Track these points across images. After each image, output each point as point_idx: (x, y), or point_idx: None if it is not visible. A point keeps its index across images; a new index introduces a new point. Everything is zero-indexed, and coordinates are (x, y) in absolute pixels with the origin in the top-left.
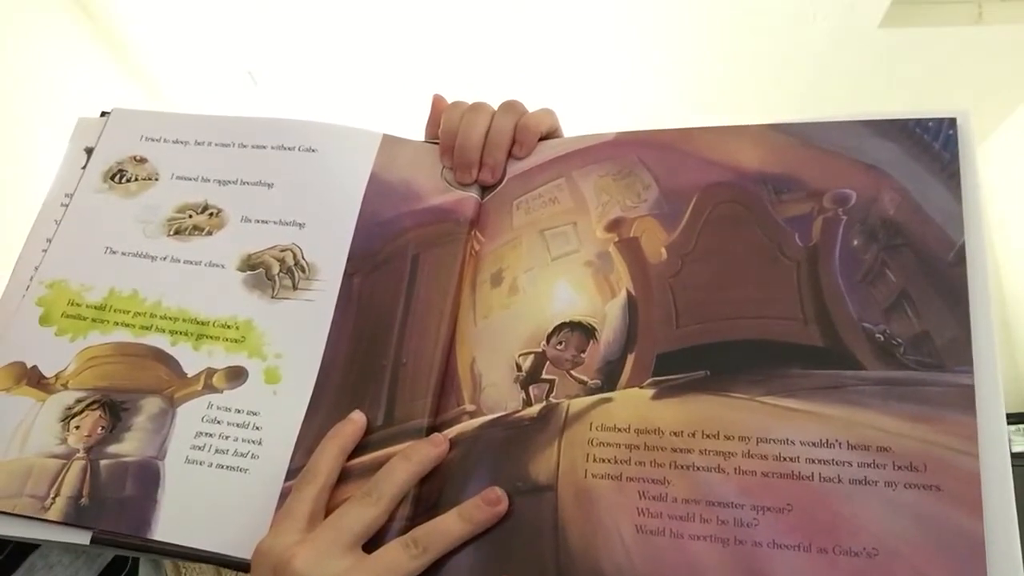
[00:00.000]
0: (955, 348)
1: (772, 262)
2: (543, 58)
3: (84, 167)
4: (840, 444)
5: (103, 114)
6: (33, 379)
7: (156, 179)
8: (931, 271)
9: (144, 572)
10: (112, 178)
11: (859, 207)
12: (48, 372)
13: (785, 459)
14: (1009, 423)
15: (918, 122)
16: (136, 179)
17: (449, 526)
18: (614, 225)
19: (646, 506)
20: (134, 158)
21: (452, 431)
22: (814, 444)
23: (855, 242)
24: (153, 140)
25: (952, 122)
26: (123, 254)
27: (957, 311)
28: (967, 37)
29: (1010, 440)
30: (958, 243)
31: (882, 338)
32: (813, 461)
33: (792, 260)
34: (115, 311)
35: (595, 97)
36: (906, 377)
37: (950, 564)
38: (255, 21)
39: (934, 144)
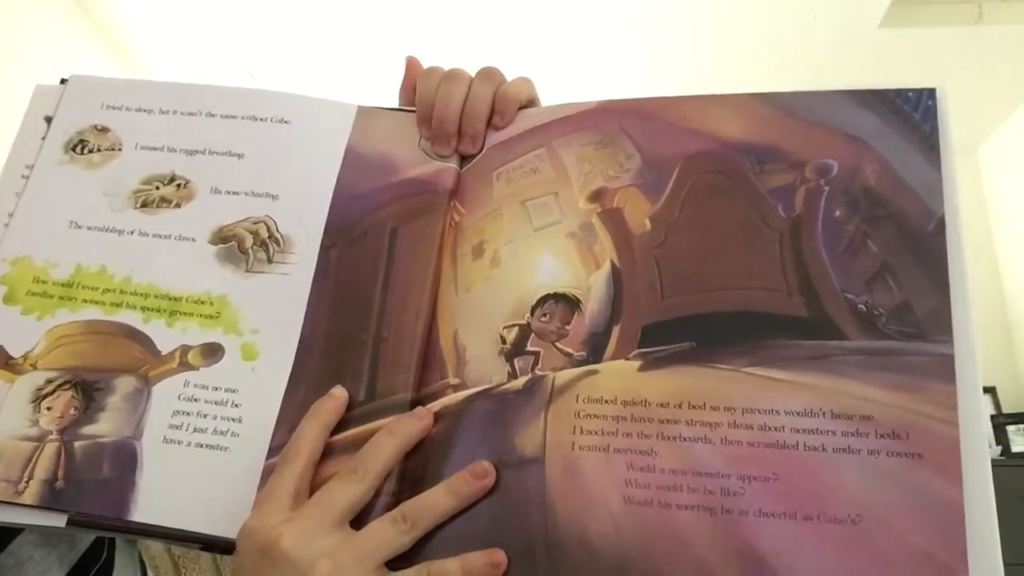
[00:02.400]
0: (935, 318)
1: (756, 233)
2: (543, 60)
3: (44, 137)
4: (824, 413)
5: (63, 81)
6: (0, 360)
7: (119, 149)
8: (912, 242)
9: (120, 562)
10: (74, 149)
11: (841, 177)
12: (15, 352)
13: (770, 429)
14: (1009, 423)
15: (898, 93)
16: (99, 149)
17: (437, 500)
18: (597, 195)
19: (634, 477)
20: (95, 127)
21: (436, 404)
22: (798, 414)
23: (837, 213)
24: (114, 108)
25: (931, 93)
26: (88, 228)
27: (937, 282)
28: (967, 37)
29: (1010, 440)
30: (938, 214)
31: (864, 308)
32: (798, 431)
33: (775, 231)
34: (83, 288)
35: (594, 97)
36: (888, 347)
37: (932, 529)
38: (254, 20)
39: (914, 115)
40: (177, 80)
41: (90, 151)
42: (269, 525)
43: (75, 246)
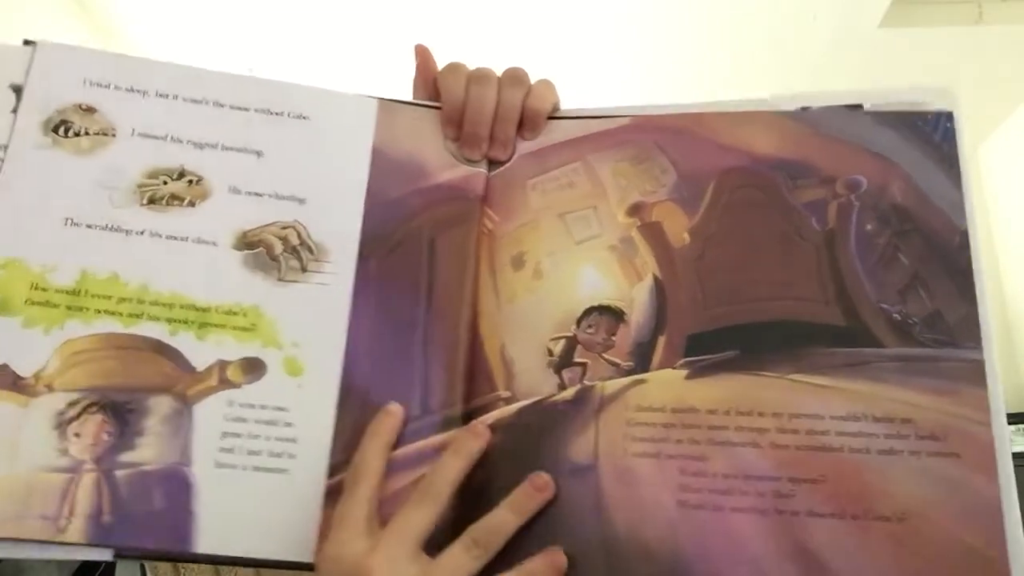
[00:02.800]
0: (965, 326)
1: (792, 245)
2: (543, 62)
3: (15, 111)
4: (866, 417)
5: (26, 43)
6: (7, 380)
7: (113, 134)
8: (940, 254)
9: (121, 564)
10: (55, 130)
11: (870, 193)
12: (24, 372)
13: (816, 433)
14: (1009, 423)
15: (917, 115)
16: (87, 132)
17: (503, 520)
18: (635, 210)
19: (687, 481)
20: (79, 106)
21: (489, 417)
22: (843, 418)
23: (868, 227)
24: (100, 86)
25: (949, 116)
26: (88, 226)
27: (965, 292)
28: (967, 37)
29: (1011, 440)
30: (961, 228)
31: (899, 317)
32: (842, 434)
33: (811, 243)
34: (93, 296)
35: (594, 98)
36: (922, 354)
37: (973, 525)
38: (255, 19)
39: (934, 135)
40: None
41: (76, 134)
42: (353, 554)
43: (76, 247)
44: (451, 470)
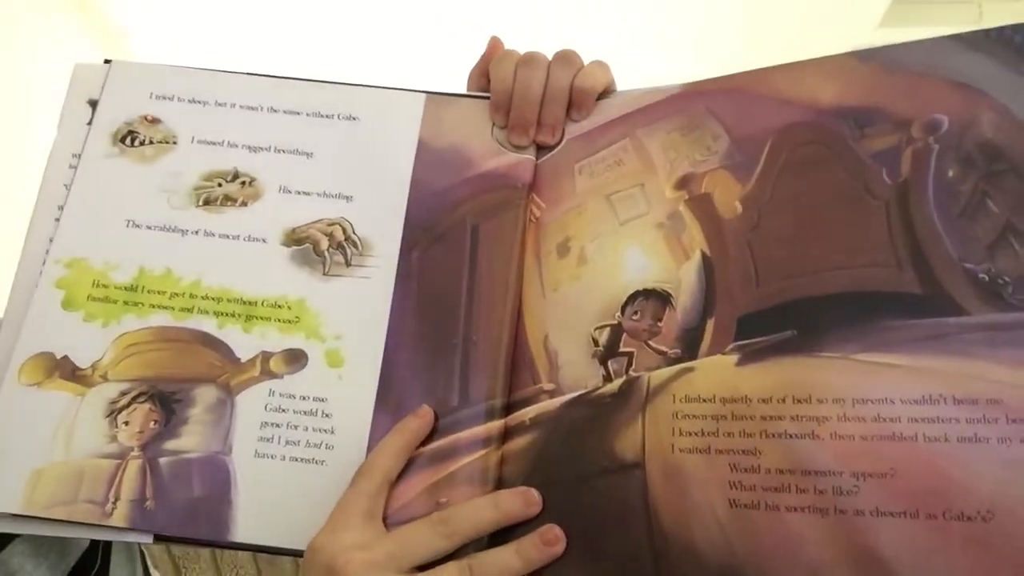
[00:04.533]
0: None
1: (858, 204)
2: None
3: (89, 123)
4: (945, 400)
5: (106, 61)
6: (66, 371)
7: (174, 142)
8: None
9: (116, 562)
10: (123, 140)
11: (952, 133)
12: (82, 363)
13: (885, 420)
14: None
15: (1016, 28)
16: (151, 142)
17: (507, 561)
18: (683, 182)
19: (738, 479)
20: (145, 118)
21: (531, 410)
22: (916, 402)
23: (950, 173)
24: (165, 98)
25: None
26: (148, 228)
27: None
28: None
29: None
30: None
31: (986, 278)
32: (916, 420)
33: (881, 200)
34: (149, 292)
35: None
36: (1015, 320)
37: None
38: (256, 18)
39: None
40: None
41: (141, 143)
42: (340, 546)
43: (135, 247)
44: (483, 517)
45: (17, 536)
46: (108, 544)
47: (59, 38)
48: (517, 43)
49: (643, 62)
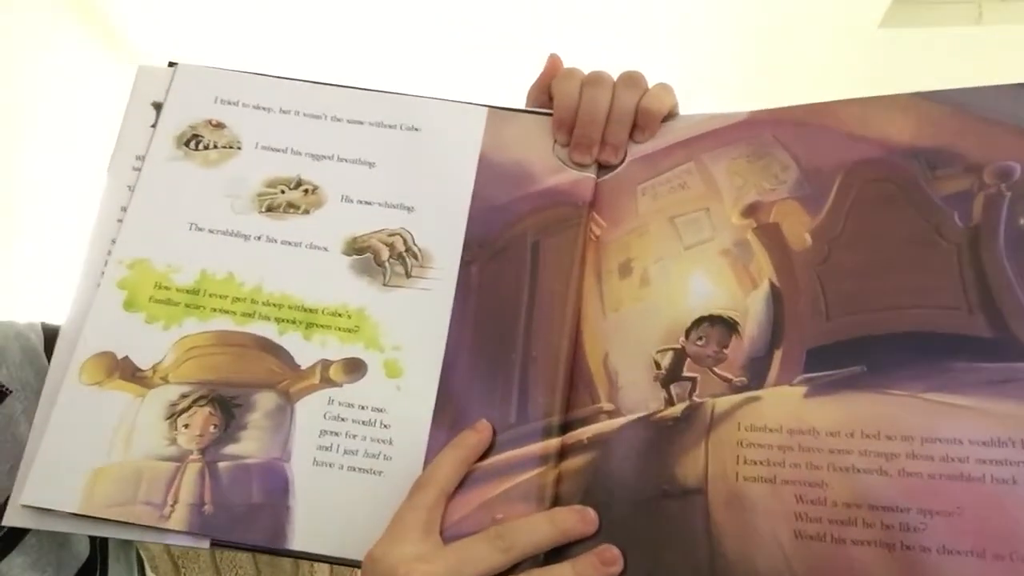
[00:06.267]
0: None
1: (930, 245)
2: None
3: (154, 125)
4: (1014, 443)
5: (170, 64)
6: (127, 372)
7: (238, 148)
8: None
9: (115, 573)
10: (187, 144)
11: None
12: (143, 364)
13: (953, 460)
14: None
15: None
16: (215, 146)
17: None
18: (751, 210)
19: (804, 510)
20: (210, 122)
21: (589, 430)
22: (984, 443)
23: (1022, 220)
24: (230, 103)
25: None
26: (211, 231)
27: None
28: (967, 37)
29: None
30: None
31: None
32: (984, 462)
33: (952, 243)
34: (210, 296)
35: None
36: None
37: None
38: (257, 18)
39: None
40: None
41: (205, 147)
42: (400, 557)
43: (198, 250)
44: (540, 533)
45: (15, 547)
46: (105, 555)
47: (59, 38)
48: (517, 43)
49: (643, 62)
